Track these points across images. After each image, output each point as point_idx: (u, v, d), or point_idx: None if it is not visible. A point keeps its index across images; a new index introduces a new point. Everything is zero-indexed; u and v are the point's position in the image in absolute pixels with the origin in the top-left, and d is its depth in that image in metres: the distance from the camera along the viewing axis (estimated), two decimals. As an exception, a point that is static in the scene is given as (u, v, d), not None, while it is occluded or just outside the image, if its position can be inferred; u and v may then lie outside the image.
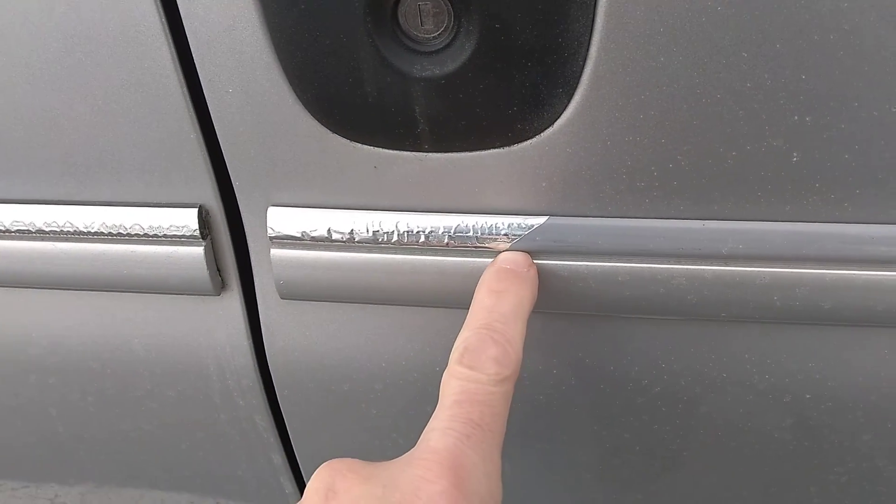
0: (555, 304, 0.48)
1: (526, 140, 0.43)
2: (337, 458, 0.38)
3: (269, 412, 0.60)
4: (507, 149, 0.43)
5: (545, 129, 0.42)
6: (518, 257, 0.45)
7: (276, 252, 0.49)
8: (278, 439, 0.62)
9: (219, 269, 0.53)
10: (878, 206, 0.42)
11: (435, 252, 0.47)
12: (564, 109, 0.41)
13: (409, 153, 0.45)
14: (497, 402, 0.38)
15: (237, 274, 0.54)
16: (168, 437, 0.65)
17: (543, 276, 0.46)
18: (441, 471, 0.34)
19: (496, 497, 0.36)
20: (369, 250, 0.48)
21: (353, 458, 0.38)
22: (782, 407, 0.51)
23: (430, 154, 0.44)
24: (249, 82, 0.44)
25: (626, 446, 0.56)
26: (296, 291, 0.51)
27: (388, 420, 0.57)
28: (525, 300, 0.43)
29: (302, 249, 0.49)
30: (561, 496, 0.61)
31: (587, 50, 0.39)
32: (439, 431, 0.36)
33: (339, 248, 0.48)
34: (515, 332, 0.41)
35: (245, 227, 0.51)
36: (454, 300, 0.48)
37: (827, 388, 0.49)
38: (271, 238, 0.49)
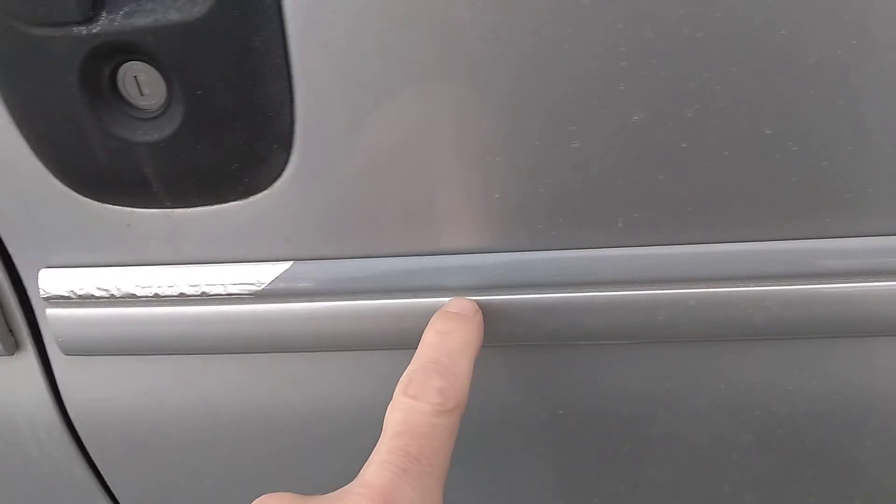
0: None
1: (259, 192, 0.46)
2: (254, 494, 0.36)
3: (85, 463, 0.62)
4: (244, 201, 0.46)
5: (274, 181, 0.45)
6: (464, 303, 0.46)
7: (51, 311, 0.51)
8: (100, 488, 0.64)
9: (11, 330, 0.55)
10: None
11: (189, 303, 0.49)
12: (287, 163, 0.44)
13: (157, 210, 0.47)
14: (439, 434, 0.37)
15: (29, 333, 0.56)
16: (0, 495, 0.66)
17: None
18: None
19: None
20: (132, 305, 0.50)
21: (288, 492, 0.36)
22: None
23: (175, 210, 0.47)
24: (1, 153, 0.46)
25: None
26: (76, 347, 0.53)
27: (195, 462, 0.59)
28: (472, 341, 0.43)
29: (74, 308, 0.51)
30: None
31: (292, 109, 0.42)
32: (376, 465, 0.35)
33: (106, 305, 0.50)
34: (461, 368, 0.41)
35: (27, 289, 0.53)
36: (219, 347, 0.50)
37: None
38: (45, 298, 0.51)
